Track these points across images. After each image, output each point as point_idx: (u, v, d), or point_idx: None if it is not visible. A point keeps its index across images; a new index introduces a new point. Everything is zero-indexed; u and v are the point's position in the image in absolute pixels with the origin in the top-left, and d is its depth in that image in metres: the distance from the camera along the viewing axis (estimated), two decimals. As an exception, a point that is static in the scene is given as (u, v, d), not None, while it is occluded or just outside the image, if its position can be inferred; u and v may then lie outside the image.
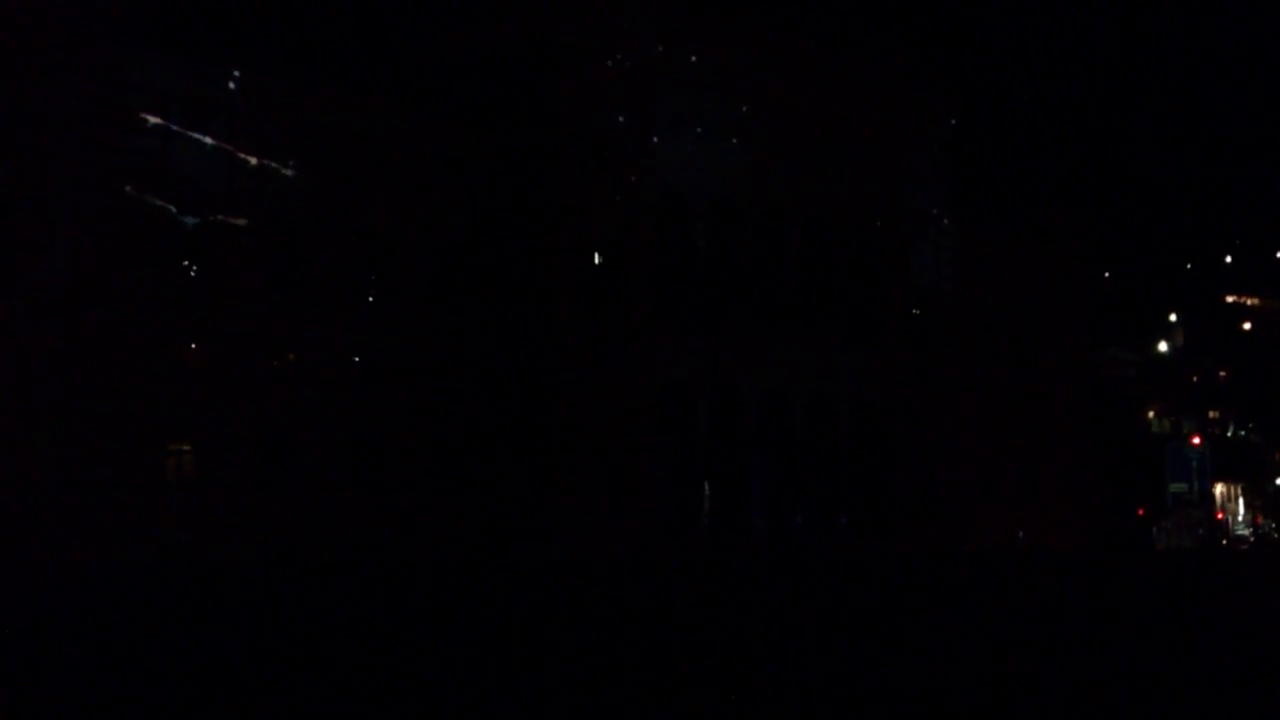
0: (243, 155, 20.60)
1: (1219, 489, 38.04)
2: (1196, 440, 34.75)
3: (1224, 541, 35.10)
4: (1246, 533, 39.56)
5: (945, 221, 28.47)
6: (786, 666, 8.40)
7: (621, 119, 23.57)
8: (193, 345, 20.33)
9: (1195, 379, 39.59)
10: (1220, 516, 36.80)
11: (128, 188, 19.34)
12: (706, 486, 24.03)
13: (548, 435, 22.64)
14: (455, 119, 23.51)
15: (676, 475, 24.24)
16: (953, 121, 29.07)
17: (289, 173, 21.07)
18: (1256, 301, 46.99)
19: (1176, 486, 33.64)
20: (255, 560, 18.96)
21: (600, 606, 12.53)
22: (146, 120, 19.58)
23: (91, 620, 10.63)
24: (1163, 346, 40.48)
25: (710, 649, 9.19)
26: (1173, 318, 40.93)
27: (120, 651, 8.67)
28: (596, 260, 23.46)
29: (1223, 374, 43.13)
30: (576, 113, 23.22)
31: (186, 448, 20.30)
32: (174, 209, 19.83)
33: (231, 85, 20.46)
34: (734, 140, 25.25)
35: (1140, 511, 33.65)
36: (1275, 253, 45.82)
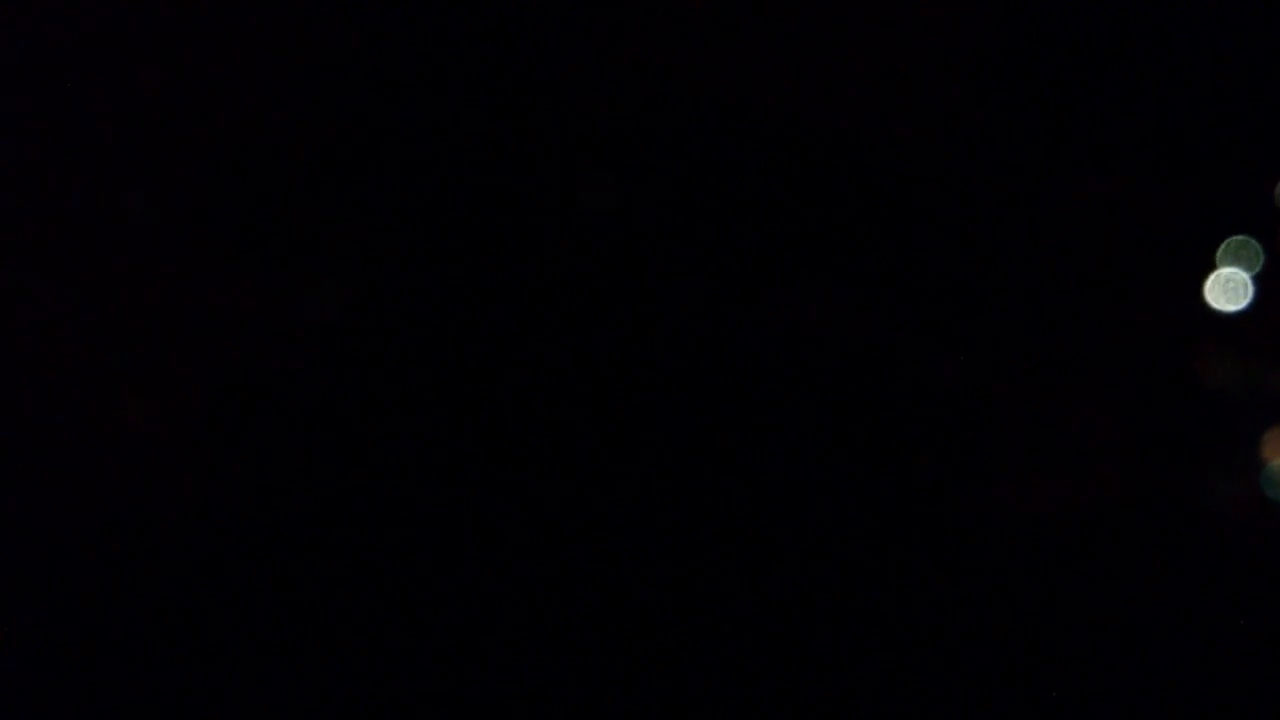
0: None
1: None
2: None
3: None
4: None
5: (993, 148, 27.16)
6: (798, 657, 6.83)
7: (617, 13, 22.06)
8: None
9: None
10: None
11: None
12: (713, 449, 22.67)
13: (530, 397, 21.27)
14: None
15: (678, 436, 22.89)
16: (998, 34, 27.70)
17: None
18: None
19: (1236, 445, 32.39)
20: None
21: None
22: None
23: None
24: (1219, 283, 39.12)
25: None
26: (1228, 253, 39.50)
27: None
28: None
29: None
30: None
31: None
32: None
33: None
34: (742, 42, 23.73)
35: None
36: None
